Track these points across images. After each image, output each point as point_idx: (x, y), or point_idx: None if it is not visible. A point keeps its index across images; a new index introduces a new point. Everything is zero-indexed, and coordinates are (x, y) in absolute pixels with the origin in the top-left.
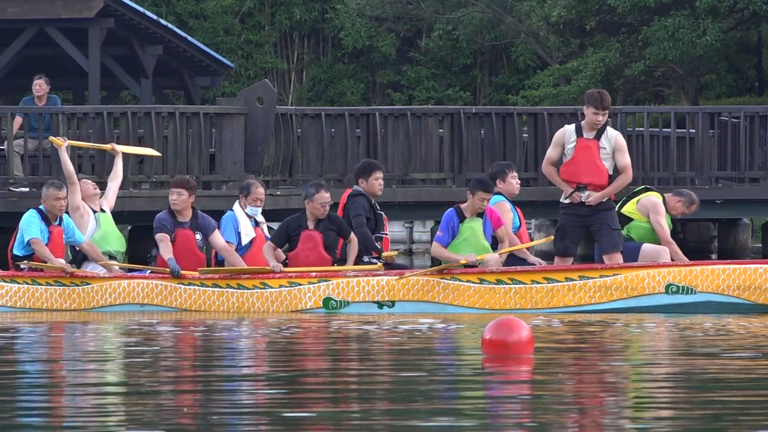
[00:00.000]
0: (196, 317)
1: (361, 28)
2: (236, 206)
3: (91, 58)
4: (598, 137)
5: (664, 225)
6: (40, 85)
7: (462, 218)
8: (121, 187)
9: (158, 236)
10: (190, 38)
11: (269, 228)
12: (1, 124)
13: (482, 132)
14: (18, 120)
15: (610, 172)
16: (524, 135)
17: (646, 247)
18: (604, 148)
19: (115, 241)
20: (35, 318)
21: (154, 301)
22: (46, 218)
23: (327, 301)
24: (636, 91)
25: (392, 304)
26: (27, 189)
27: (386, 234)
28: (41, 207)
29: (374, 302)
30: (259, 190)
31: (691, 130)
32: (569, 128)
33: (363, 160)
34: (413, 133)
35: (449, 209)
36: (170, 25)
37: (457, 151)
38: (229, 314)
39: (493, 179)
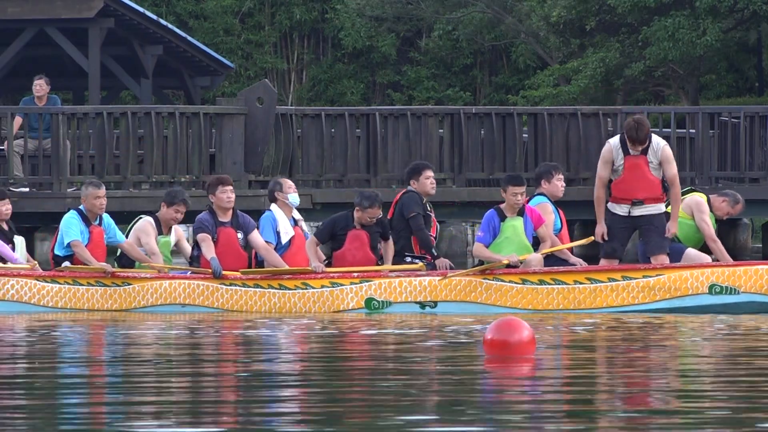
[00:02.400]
0: (239, 317)
1: (361, 28)
2: (273, 206)
3: (91, 58)
4: (644, 152)
5: (709, 223)
6: (40, 86)
7: (503, 217)
8: (121, 188)
9: (200, 236)
10: (190, 38)
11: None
12: (1, 124)
13: (482, 132)
14: (18, 120)
15: (659, 178)
16: (524, 135)
17: (690, 251)
18: (652, 162)
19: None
20: (77, 318)
21: (196, 301)
22: (86, 218)
23: (369, 301)
24: (636, 91)
25: (434, 304)
26: (27, 189)
27: (434, 236)
28: (81, 207)
29: (416, 302)
30: (289, 181)
31: (691, 130)
32: (615, 144)
33: (413, 161)
34: (413, 133)
35: (490, 210)
36: (170, 25)
37: (457, 151)
38: (271, 315)
39: (538, 179)
